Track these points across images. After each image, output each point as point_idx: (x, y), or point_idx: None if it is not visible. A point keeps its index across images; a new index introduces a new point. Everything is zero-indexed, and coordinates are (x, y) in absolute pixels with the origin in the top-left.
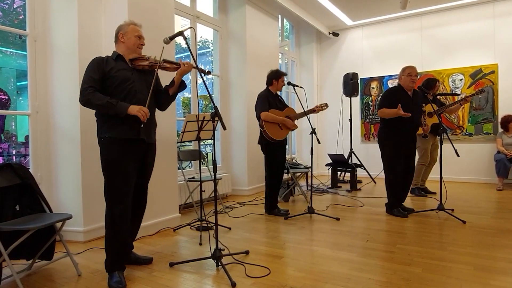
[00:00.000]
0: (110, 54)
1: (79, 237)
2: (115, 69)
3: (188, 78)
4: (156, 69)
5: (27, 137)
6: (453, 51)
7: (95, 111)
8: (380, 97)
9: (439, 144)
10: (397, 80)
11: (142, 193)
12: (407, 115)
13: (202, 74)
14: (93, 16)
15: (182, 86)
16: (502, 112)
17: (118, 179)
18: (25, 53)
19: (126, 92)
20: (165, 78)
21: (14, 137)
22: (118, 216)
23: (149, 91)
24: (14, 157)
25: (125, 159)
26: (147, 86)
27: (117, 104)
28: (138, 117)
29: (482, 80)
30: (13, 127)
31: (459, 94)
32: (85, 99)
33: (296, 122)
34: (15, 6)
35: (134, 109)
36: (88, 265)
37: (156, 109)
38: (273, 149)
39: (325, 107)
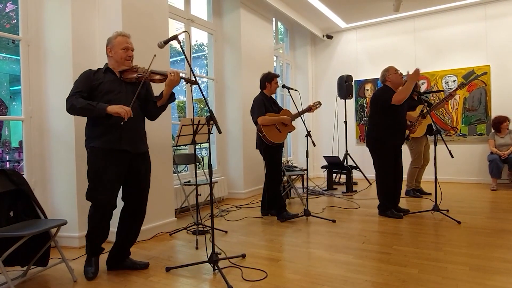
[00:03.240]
0: (104, 58)
1: (74, 242)
2: (103, 82)
3: (182, 81)
4: (142, 81)
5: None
6: (446, 53)
7: (86, 121)
8: (373, 98)
9: (430, 144)
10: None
11: (137, 203)
12: (418, 72)
13: (189, 83)
14: (87, 20)
15: (171, 98)
16: (494, 113)
17: (99, 188)
18: (18, 57)
19: (111, 103)
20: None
21: (7, 143)
22: (98, 220)
23: (137, 103)
24: (7, 162)
25: (107, 169)
26: (133, 96)
27: (96, 105)
28: (119, 118)
29: (475, 81)
30: (6, 132)
31: (442, 91)
32: (69, 105)
33: (292, 123)
34: (7, 10)
35: (113, 108)
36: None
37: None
38: (273, 153)
39: (318, 105)
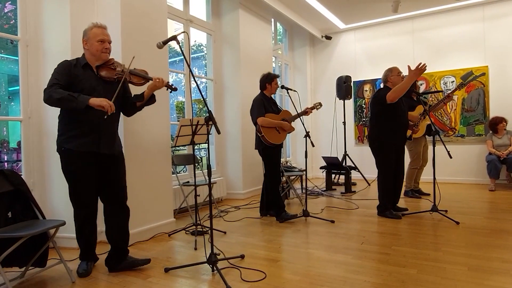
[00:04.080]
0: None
1: (72, 243)
2: (81, 78)
3: (181, 81)
4: (121, 82)
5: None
6: (444, 53)
7: (59, 117)
8: (373, 99)
9: (428, 145)
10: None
11: (118, 202)
12: (423, 67)
13: (170, 90)
14: (86, 20)
15: (151, 100)
16: (493, 113)
17: (79, 189)
18: (17, 58)
19: None
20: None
21: (5, 143)
22: (82, 219)
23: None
24: (6, 163)
25: (85, 172)
26: (112, 96)
27: (78, 96)
28: (100, 112)
29: (473, 82)
30: (4, 132)
31: (441, 91)
32: (47, 96)
33: (292, 124)
34: (5, 10)
35: (96, 101)
36: None
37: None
38: (272, 153)
39: (319, 106)
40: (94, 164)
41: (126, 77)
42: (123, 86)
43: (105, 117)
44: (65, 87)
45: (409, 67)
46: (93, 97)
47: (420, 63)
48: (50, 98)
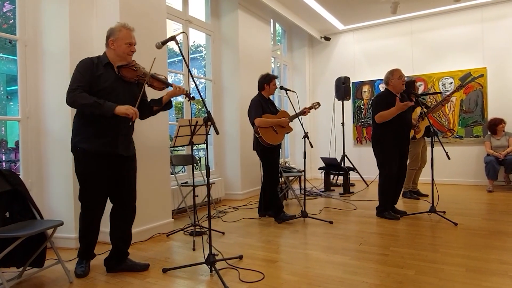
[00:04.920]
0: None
1: (70, 243)
2: (103, 77)
3: (180, 82)
4: (144, 84)
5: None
6: (443, 55)
7: (75, 117)
8: (372, 104)
9: (427, 146)
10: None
11: (127, 204)
12: (408, 104)
13: (186, 99)
14: (85, 21)
15: (168, 106)
16: (491, 115)
17: (90, 190)
18: (15, 57)
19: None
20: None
21: (4, 143)
22: (89, 220)
23: (134, 103)
24: (3, 163)
25: (99, 172)
26: (131, 97)
27: (104, 103)
28: (125, 118)
29: (472, 84)
30: (3, 132)
31: (440, 93)
32: (72, 100)
33: (290, 125)
34: (4, 10)
35: (121, 109)
36: None
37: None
38: (270, 154)
39: (317, 106)
40: (109, 165)
41: (148, 81)
42: (143, 92)
43: (130, 123)
44: (88, 87)
45: (397, 99)
46: (119, 105)
47: (408, 103)
48: (75, 102)
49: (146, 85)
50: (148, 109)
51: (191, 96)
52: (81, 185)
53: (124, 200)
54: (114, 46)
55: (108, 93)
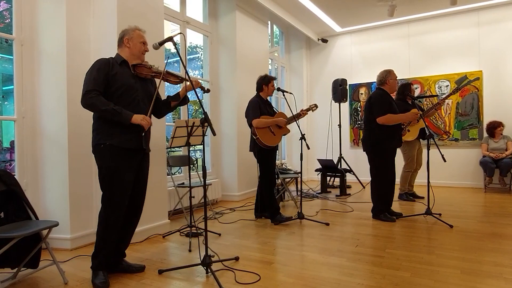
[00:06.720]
0: (107, 57)
1: (65, 244)
2: (119, 75)
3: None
4: (160, 80)
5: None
6: (439, 58)
7: (92, 115)
8: (370, 104)
9: (422, 148)
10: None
11: (138, 202)
12: (418, 114)
13: (202, 91)
14: (82, 20)
15: (185, 100)
16: (487, 118)
17: (116, 187)
18: (11, 57)
19: (130, 101)
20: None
21: None
22: (112, 223)
23: (150, 101)
24: None
25: (125, 168)
26: (147, 95)
27: (121, 112)
28: (141, 126)
29: (468, 87)
30: None
31: (436, 95)
32: (89, 102)
33: (287, 126)
34: (0, 9)
35: (137, 119)
36: (75, 273)
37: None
38: (267, 155)
39: (314, 107)
40: (135, 162)
41: (164, 75)
42: (157, 89)
43: (143, 134)
44: (104, 86)
45: (415, 111)
46: (136, 114)
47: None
48: (93, 106)
49: (162, 80)
50: (166, 105)
51: (206, 88)
52: (106, 184)
53: (136, 199)
54: (130, 44)
55: (125, 91)
